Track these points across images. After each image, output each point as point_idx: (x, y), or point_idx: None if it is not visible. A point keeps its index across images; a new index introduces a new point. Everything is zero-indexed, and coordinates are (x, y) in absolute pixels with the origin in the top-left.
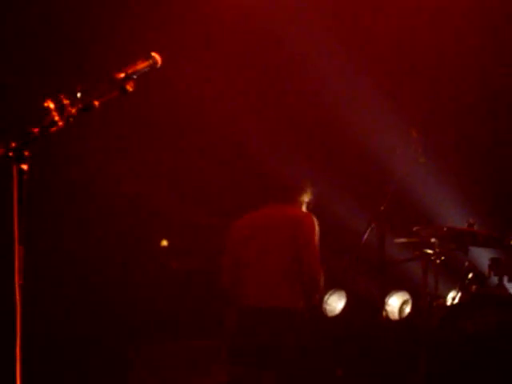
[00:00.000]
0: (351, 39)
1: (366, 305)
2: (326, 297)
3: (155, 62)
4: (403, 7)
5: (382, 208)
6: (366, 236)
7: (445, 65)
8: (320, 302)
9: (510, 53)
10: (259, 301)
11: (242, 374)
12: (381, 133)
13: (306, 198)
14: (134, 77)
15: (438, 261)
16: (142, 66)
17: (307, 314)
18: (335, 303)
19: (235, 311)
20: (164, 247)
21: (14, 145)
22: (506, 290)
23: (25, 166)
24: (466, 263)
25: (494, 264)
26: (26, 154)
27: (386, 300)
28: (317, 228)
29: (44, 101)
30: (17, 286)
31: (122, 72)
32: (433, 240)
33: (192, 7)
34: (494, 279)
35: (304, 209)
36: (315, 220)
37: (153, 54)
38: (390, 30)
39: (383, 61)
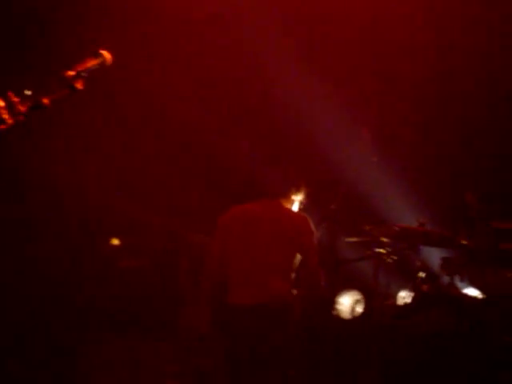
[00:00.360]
0: (302, 39)
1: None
2: None
3: (105, 60)
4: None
5: (333, 207)
6: (317, 235)
7: (398, 64)
8: None
9: (462, 53)
10: (253, 298)
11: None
12: (333, 132)
13: (298, 196)
14: (84, 75)
15: (389, 260)
16: (91, 63)
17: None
18: None
19: (223, 308)
20: (114, 246)
21: None
22: (457, 289)
23: None
24: (418, 263)
25: (446, 263)
26: None
27: (338, 299)
28: (314, 229)
29: None
30: None
31: (71, 70)
32: (384, 239)
33: (144, 6)
34: (446, 279)
35: (296, 207)
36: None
37: (102, 51)
38: (341, 29)
39: (335, 61)
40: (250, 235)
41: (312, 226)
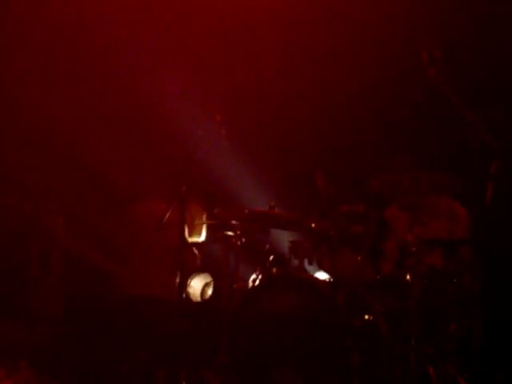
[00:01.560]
0: (160, 32)
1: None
2: None
3: None
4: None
5: (184, 189)
6: (166, 216)
7: (248, 54)
8: None
9: (305, 47)
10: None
11: None
12: (184, 115)
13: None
14: None
15: (239, 243)
16: None
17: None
18: None
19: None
20: None
21: None
22: (306, 272)
23: None
24: (267, 245)
25: (294, 247)
26: None
27: (189, 282)
28: None
29: None
30: None
31: None
32: (234, 222)
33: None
34: (295, 262)
35: None
36: None
37: None
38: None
39: (175, 49)
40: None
41: None
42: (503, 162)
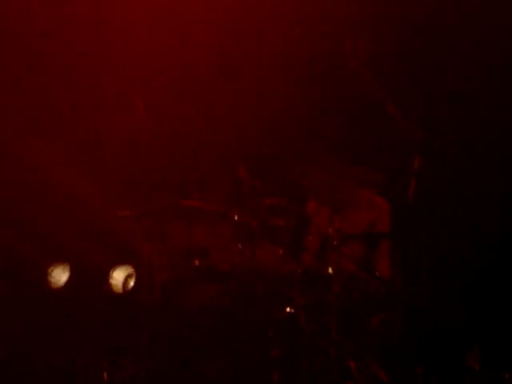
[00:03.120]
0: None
1: (91, 277)
2: (51, 269)
3: None
4: None
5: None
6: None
7: (174, 43)
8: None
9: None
10: None
11: None
12: (105, 103)
13: None
14: None
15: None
16: None
17: None
18: (59, 276)
19: None
20: None
21: None
22: (228, 264)
23: None
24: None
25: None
26: None
27: (111, 273)
28: None
29: None
30: None
31: None
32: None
33: None
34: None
35: None
36: None
37: None
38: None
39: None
40: None
41: None
42: (426, 158)
